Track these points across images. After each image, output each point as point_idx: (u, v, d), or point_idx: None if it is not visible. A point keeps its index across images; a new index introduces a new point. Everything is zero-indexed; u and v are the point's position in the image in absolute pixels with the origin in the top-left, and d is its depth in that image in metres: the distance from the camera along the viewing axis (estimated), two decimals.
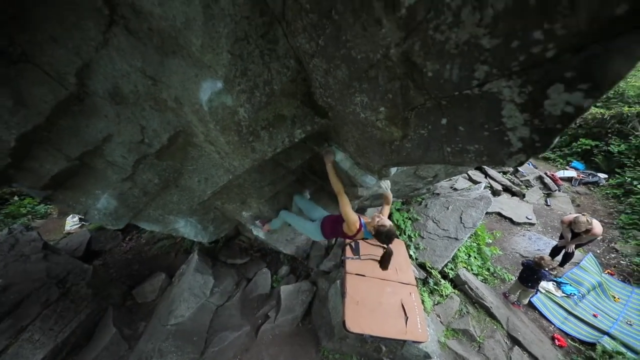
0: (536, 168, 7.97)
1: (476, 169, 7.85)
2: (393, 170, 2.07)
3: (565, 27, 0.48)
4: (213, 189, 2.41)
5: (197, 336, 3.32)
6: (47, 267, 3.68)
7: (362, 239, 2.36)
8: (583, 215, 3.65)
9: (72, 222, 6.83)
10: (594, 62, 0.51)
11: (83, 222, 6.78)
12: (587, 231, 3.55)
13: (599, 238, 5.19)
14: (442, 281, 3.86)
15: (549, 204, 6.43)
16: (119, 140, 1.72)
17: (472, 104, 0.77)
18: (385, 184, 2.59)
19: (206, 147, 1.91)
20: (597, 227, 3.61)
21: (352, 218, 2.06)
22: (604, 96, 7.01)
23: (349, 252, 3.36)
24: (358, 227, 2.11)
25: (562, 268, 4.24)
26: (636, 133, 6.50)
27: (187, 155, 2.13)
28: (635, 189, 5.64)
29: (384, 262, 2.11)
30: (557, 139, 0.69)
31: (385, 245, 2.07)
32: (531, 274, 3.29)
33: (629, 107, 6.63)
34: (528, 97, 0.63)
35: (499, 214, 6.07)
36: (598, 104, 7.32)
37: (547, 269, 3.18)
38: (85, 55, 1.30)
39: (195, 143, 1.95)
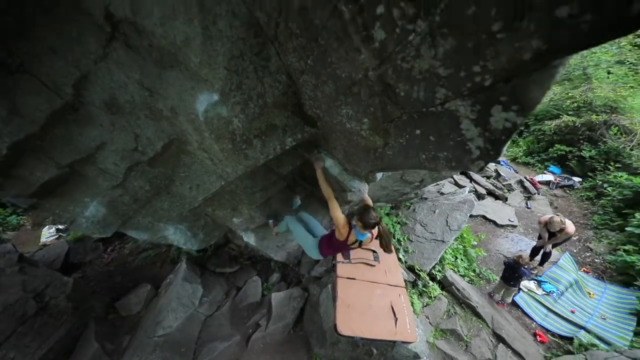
0: (517, 172, 8.39)
1: (461, 173, 8.17)
2: (379, 175, 2.18)
3: (494, 65, 0.63)
4: (204, 196, 2.43)
5: (186, 347, 3.23)
6: (23, 280, 3.48)
7: (355, 242, 2.37)
8: (557, 215, 3.91)
9: (48, 234, 6.50)
10: (519, 90, 0.66)
11: (60, 234, 6.46)
12: (561, 230, 3.80)
13: (574, 237, 5.54)
14: (431, 283, 3.96)
15: (529, 206, 6.77)
16: (112, 148, 1.73)
17: (438, 118, 0.90)
18: (365, 188, 2.63)
19: (199, 154, 1.95)
20: (570, 226, 3.86)
21: (342, 221, 2.10)
22: (576, 106, 7.60)
23: (339, 257, 3.41)
24: (348, 228, 2.14)
25: (541, 267, 4.46)
26: (604, 139, 7.04)
27: (179, 162, 2.15)
28: (606, 191, 6.06)
29: (384, 243, 2.11)
30: (504, 148, 0.83)
31: (375, 229, 2.07)
32: (512, 272, 3.46)
33: (597, 115, 7.21)
34: (478, 114, 0.78)
35: (484, 216, 6.32)
36: (570, 113, 7.89)
37: (525, 266, 3.35)
38: (84, 67, 1.34)
39: (188, 150, 1.98)
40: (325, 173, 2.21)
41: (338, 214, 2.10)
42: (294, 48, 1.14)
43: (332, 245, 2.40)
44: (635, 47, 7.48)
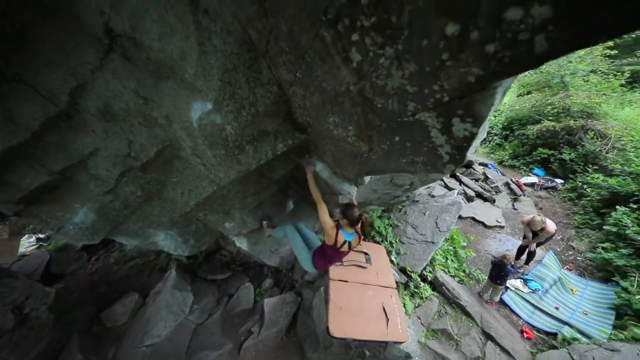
0: (504, 175, 8.72)
1: (451, 176, 8.43)
2: (367, 178, 2.27)
3: (448, 85, 0.75)
4: (196, 200, 2.44)
5: (175, 357, 3.15)
6: (0, 292, 3.33)
7: (344, 244, 2.42)
8: (538, 215, 4.11)
9: (27, 243, 6.25)
10: (470, 105, 0.78)
11: (41, 243, 6.21)
12: (542, 229, 3.99)
13: (557, 237, 5.78)
14: (422, 284, 4.04)
15: (515, 207, 7.04)
16: (105, 154, 1.75)
17: (411, 127, 1.01)
18: (353, 191, 2.71)
19: (192, 159, 1.99)
20: (550, 225, 4.07)
21: (328, 223, 2.15)
22: (555, 112, 8.07)
23: None
24: (336, 230, 2.19)
25: (527, 266, 4.63)
26: (582, 143, 7.47)
27: (172, 167, 2.17)
28: (585, 192, 6.39)
29: (364, 229, 2.23)
30: (467, 153, 0.95)
31: (358, 225, 2.18)
32: (498, 271, 3.59)
33: (574, 120, 7.72)
34: (443, 125, 0.89)
35: (473, 218, 6.51)
36: (550, 118, 8.35)
37: (510, 264, 3.49)
38: (80, 76, 1.38)
39: (181, 156, 2.01)
40: (315, 177, 2.28)
41: (326, 217, 2.16)
42: (283, 62, 1.22)
43: (325, 255, 2.46)
44: (606, 58, 8.06)
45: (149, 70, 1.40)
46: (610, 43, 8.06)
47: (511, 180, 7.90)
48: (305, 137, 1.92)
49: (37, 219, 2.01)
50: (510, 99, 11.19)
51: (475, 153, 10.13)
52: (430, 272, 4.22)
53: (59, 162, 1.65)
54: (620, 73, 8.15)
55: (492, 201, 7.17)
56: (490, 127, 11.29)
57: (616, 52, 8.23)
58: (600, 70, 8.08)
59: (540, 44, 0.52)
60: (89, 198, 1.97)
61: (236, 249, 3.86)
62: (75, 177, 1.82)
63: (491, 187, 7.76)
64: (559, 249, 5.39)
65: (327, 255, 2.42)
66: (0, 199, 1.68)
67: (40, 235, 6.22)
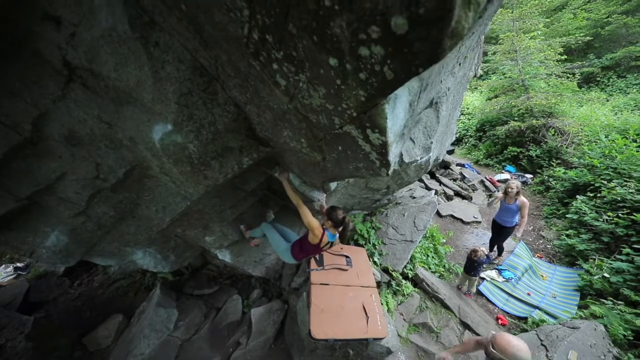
0: (479, 174, 9.16)
1: (431, 177, 8.78)
2: (333, 185, 2.42)
3: (350, 103, 0.89)
4: (172, 216, 2.50)
5: None
6: None
7: (327, 244, 2.51)
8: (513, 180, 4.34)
9: (4, 273, 5.99)
10: (372, 119, 0.93)
11: (19, 272, 5.98)
12: (517, 194, 4.03)
13: (529, 227, 6.13)
14: (404, 282, 4.19)
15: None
16: (73, 177, 1.80)
17: (344, 138, 1.15)
18: (322, 197, 2.85)
19: (162, 177, 2.07)
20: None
21: (315, 224, 2.22)
22: (520, 112, 8.73)
23: (313, 265, 3.54)
24: (322, 231, 2.27)
25: (500, 257, 4.88)
26: (545, 140, 8.04)
27: (143, 186, 2.24)
28: (551, 185, 6.84)
29: (345, 234, 2.36)
30: (391, 158, 1.09)
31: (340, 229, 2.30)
32: (471, 263, 3.79)
33: (537, 120, 8.40)
34: (363, 135, 1.04)
35: (452, 216, 6.78)
36: (516, 119, 8.96)
37: (483, 257, 3.70)
38: (42, 106, 1.46)
39: (150, 175, 2.09)
40: (291, 183, 2.39)
41: (310, 219, 2.23)
42: (234, 85, 1.36)
43: (305, 249, 2.55)
44: (558, 62, 8.86)
45: (109, 96, 1.49)
46: (561, 49, 8.93)
47: (485, 178, 8.33)
48: (269, 149, 2.04)
49: (7, 245, 2.01)
50: (480, 102, 11.88)
51: (453, 155, 10.63)
52: (410, 269, 4.39)
53: (25, 188, 1.70)
54: (572, 75, 8.90)
55: (470, 199, 7.51)
56: (465, 129, 11.91)
57: (566, 57, 9.04)
58: (554, 74, 8.81)
59: (388, 73, 0.68)
60: (60, 221, 2.00)
61: (222, 262, 3.89)
62: (44, 201, 1.86)
63: (468, 186, 8.14)
64: (530, 239, 5.72)
65: (307, 249, 2.51)
66: None
67: (19, 264, 5.99)
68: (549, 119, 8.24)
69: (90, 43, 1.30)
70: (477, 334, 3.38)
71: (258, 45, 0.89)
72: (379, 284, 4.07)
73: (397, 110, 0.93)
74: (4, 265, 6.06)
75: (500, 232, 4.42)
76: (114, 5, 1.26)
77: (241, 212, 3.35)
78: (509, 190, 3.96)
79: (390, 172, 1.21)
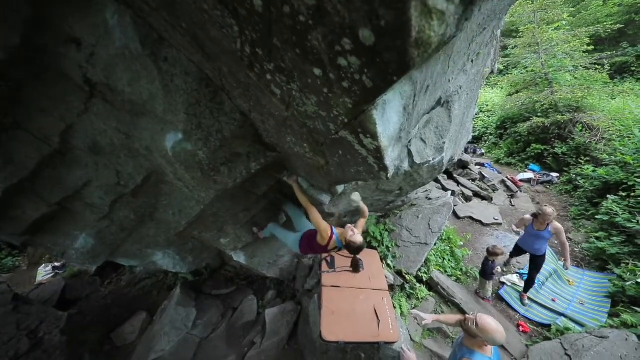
0: (500, 173, 8.73)
1: (449, 178, 8.49)
2: (340, 188, 2.42)
3: (340, 110, 0.89)
4: (188, 219, 2.63)
5: None
6: (17, 319, 3.55)
7: (335, 248, 2.51)
8: (546, 206, 3.53)
9: (44, 272, 6.54)
10: (363, 124, 0.93)
11: (57, 271, 6.50)
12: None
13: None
14: (418, 285, 4.09)
15: (513, 204, 7.05)
16: (97, 184, 1.96)
17: (342, 142, 1.17)
18: (356, 197, 2.74)
19: (176, 183, 2.19)
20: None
21: (324, 226, 2.23)
22: (544, 108, 8.19)
23: (324, 267, 3.55)
24: (330, 234, 2.27)
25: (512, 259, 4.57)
26: (572, 136, 7.52)
27: (160, 191, 2.37)
28: (579, 183, 6.38)
29: (355, 266, 2.33)
30: (388, 162, 1.09)
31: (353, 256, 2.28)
32: (485, 265, 3.64)
33: (562, 115, 7.84)
34: (358, 140, 1.04)
35: (470, 217, 6.52)
36: (539, 115, 8.46)
37: (496, 258, 3.55)
38: (68, 120, 1.61)
39: (166, 180, 2.22)
40: (300, 186, 2.43)
41: (319, 220, 2.24)
42: (238, 95, 1.42)
43: (313, 247, 2.54)
44: (585, 53, 8.23)
45: (126, 109, 1.61)
46: (587, 39, 8.31)
47: (507, 177, 7.95)
48: (276, 155, 2.09)
49: (43, 247, 2.22)
50: (501, 98, 11.32)
51: (483, 157, 10.17)
52: (425, 272, 4.27)
53: (56, 194, 1.87)
54: (600, 66, 8.24)
55: (490, 199, 7.19)
56: (484, 127, 11.39)
57: (594, 47, 8.38)
58: (581, 66, 8.23)
59: (367, 82, 0.69)
60: (87, 225, 2.18)
61: (238, 263, 4.02)
62: (72, 206, 2.04)
63: (488, 186, 7.79)
64: (555, 242, 5.35)
65: (314, 247, 2.51)
66: (7, 231, 1.90)
67: (56, 264, 6.53)
68: (576, 114, 7.70)
69: (107, 61, 1.41)
70: None
71: (251, 57, 0.92)
72: (392, 287, 3.99)
73: (388, 115, 0.93)
74: (44, 265, 6.62)
75: (534, 263, 3.70)
76: (125, 25, 1.37)
77: (254, 215, 3.44)
78: (543, 216, 3.32)
79: (389, 175, 1.20)
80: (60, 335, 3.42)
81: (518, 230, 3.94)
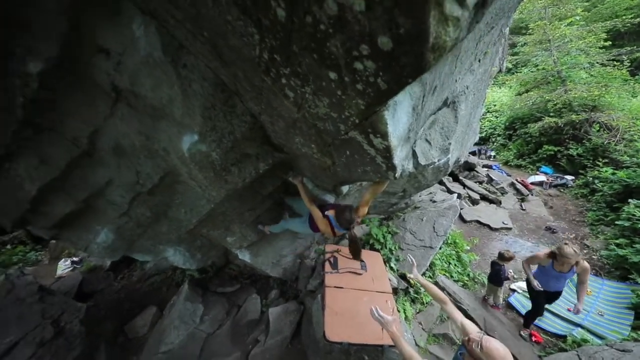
0: (509, 176, 8.48)
1: (454, 180, 8.33)
2: (345, 188, 2.49)
3: (352, 110, 0.97)
4: (198, 217, 2.77)
5: None
6: (42, 308, 3.80)
7: (341, 234, 2.48)
8: (566, 245, 2.82)
9: (64, 266, 6.89)
10: (374, 125, 1.00)
11: (75, 265, 6.85)
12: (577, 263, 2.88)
13: (571, 235, 5.51)
14: (422, 289, 4.06)
15: (523, 208, 6.82)
16: (119, 183, 2.13)
17: (351, 143, 1.24)
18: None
19: (190, 182, 2.33)
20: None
21: (323, 227, 2.27)
22: (557, 107, 7.89)
23: (328, 267, 3.60)
24: (330, 230, 2.29)
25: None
26: (588, 137, 7.22)
27: (174, 190, 2.53)
28: (597, 187, 6.12)
29: (354, 250, 2.29)
30: (396, 161, 1.15)
31: (348, 229, 2.20)
32: (494, 271, 3.57)
33: (577, 115, 7.55)
34: (367, 140, 1.11)
35: (478, 221, 6.38)
36: (551, 114, 8.17)
37: (507, 263, 3.47)
38: (96, 123, 1.78)
39: (181, 180, 2.37)
40: (305, 186, 2.53)
41: (320, 222, 2.27)
42: (250, 98, 1.53)
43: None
44: (602, 49, 7.89)
45: (147, 113, 1.77)
46: (604, 34, 7.98)
47: (516, 180, 7.71)
48: (283, 155, 2.20)
49: (69, 240, 2.41)
50: (509, 98, 11.04)
51: (494, 160, 9.92)
52: (430, 277, 4.24)
53: (82, 192, 2.05)
54: (619, 63, 7.91)
55: (499, 203, 7.01)
56: (492, 128, 11.12)
57: (612, 42, 8.04)
58: (597, 62, 7.94)
59: (382, 84, 0.76)
60: (108, 221, 2.36)
61: (242, 262, 4.14)
62: (96, 204, 2.22)
63: (496, 189, 7.59)
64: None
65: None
66: (39, 225, 2.10)
67: (75, 259, 6.89)
68: (592, 113, 7.42)
69: (132, 68, 1.57)
70: None
71: (268, 63, 1.02)
72: (396, 291, 3.98)
73: (398, 116, 1.00)
74: (63, 259, 7.00)
75: (549, 299, 3.23)
76: (150, 35, 1.52)
77: (258, 215, 3.56)
78: (563, 258, 2.73)
79: (397, 175, 1.26)
80: (79, 326, 3.63)
81: (529, 271, 3.21)
